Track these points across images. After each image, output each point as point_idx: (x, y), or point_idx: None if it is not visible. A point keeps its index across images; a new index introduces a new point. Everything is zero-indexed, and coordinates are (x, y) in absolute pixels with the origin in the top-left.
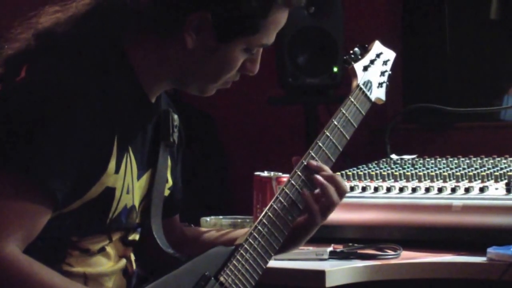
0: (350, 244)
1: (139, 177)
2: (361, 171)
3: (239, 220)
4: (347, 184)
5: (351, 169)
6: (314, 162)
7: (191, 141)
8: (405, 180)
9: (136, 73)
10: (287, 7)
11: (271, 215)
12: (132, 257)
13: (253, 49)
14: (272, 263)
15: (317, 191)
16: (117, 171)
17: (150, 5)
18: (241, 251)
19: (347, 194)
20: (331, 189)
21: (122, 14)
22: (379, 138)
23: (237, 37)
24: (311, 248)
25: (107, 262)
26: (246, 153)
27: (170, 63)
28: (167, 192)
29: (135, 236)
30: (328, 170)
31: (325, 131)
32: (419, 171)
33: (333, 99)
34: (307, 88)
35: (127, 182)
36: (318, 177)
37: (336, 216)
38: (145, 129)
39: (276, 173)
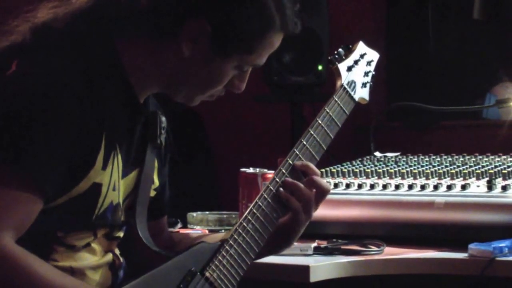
0: (334, 240)
1: (124, 175)
2: (345, 168)
3: (225, 216)
4: (327, 184)
5: (335, 166)
6: (299, 163)
7: (178, 138)
8: (388, 177)
9: (127, 73)
10: (283, 32)
11: (256, 212)
12: (117, 251)
13: (244, 67)
14: (259, 259)
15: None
16: (104, 167)
17: (150, 8)
18: (226, 247)
19: (331, 191)
20: (305, 192)
21: (120, 14)
22: (363, 136)
23: (233, 53)
24: (295, 243)
25: (92, 257)
26: (233, 150)
27: (162, 67)
28: (153, 193)
29: (120, 234)
30: (313, 168)
31: (310, 130)
32: (402, 169)
33: (318, 97)
34: (293, 86)
35: (113, 179)
36: (287, 180)
37: (321, 212)
38: (132, 129)
39: (262, 170)
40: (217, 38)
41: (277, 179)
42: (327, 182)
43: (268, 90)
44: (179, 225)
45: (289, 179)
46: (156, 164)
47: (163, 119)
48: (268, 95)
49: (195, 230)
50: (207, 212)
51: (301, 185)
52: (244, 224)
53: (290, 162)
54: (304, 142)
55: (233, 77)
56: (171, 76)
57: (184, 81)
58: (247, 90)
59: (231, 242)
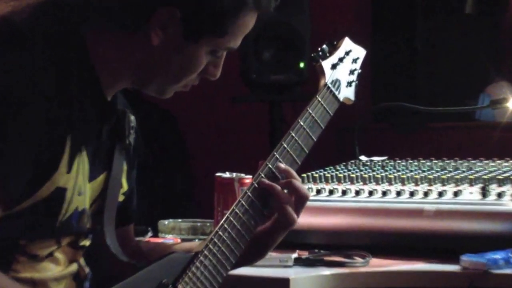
0: (316, 250)
1: (91, 179)
2: (328, 173)
3: (198, 224)
4: (307, 190)
5: (317, 171)
6: (281, 165)
7: (151, 140)
8: (374, 183)
9: (95, 68)
10: (256, 10)
11: (233, 220)
12: (83, 261)
13: (218, 51)
14: (234, 270)
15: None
16: (69, 170)
17: None
18: (200, 258)
19: (313, 197)
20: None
21: (84, 4)
22: (347, 139)
23: (205, 36)
24: (274, 254)
25: (55, 267)
26: (209, 153)
27: (132, 59)
28: (121, 198)
29: (86, 242)
30: (292, 172)
31: (291, 132)
32: (390, 174)
33: (300, 97)
34: (273, 85)
35: (79, 183)
36: (265, 181)
37: (302, 220)
38: (100, 129)
39: (239, 175)
40: (188, 22)
41: (256, 184)
42: (308, 188)
43: (246, 90)
44: (150, 234)
45: (266, 180)
46: (124, 166)
47: (132, 118)
48: (246, 95)
49: (167, 239)
50: (179, 220)
51: (278, 187)
52: (220, 233)
53: (270, 166)
54: (285, 145)
55: (207, 64)
56: (141, 67)
57: (155, 71)
58: (224, 89)
59: (205, 252)
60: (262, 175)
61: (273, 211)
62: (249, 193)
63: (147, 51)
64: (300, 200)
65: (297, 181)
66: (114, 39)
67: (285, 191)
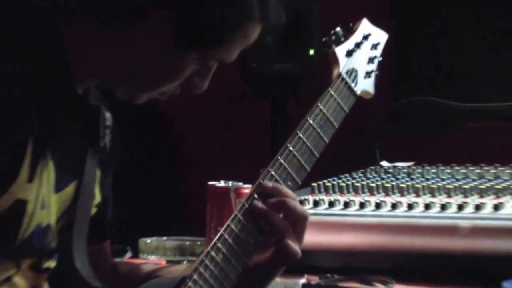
0: (329, 275)
1: (58, 189)
2: (343, 182)
3: (187, 243)
4: (303, 208)
5: (330, 180)
6: (269, 184)
7: (131, 142)
8: (399, 194)
9: (68, 60)
10: (262, 24)
11: (228, 238)
12: (47, 287)
13: (209, 62)
14: None
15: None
16: (30, 179)
17: None
18: (189, 284)
19: (325, 211)
20: (277, 220)
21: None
22: (366, 141)
23: (197, 47)
24: (278, 279)
25: None
26: (200, 157)
27: (111, 58)
28: (94, 210)
29: (51, 264)
30: (282, 190)
31: (298, 132)
32: (417, 183)
33: (308, 91)
34: (275, 76)
35: (42, 195)
36: (258, 204)
37: (311, 239)
38: (68, 129)
39: (236, 184)
40: (181, 30)
41: (256, 195)
42: (319, 199)
43: (245, 82)
44: (128, 254)
45: (257, 203)
46: (98, 173)
47: (108, 115)
48: (244, 89)
49: (149, 261)
50: (164, 238)
51: (270, 214)
52: (213, 253)
53: (273, 173)
54: (291, 148)
55: (192, 74)
56: (117, 67)
57: (131, 74)
58: (218, 82)
59: (195, 277)
60: (255, 195)
61: (272, 243)
62: (247, 206)
63: (128, 53)
64: (298, 223)
65: (291, 200)
66: (96, 33)
67: (281, 215)
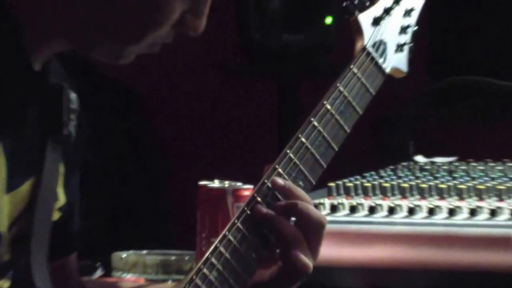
0: None
1: (10, 189)
2: (368, 181)
3: (173, 258)
4: (319, 214)
5: (352, 179)
6: (280, 181)
7: (104, 131)
8: (437, 197)
9: (16, 25)
10: None
11: (224, 252)
12: None
13: None
14: None
15: None
16: None
17: None
18: None
19: (345, 218)
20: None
21: None
22: (396, 131)
23: None
24: None
25: None
26: (190, 152)
27: (70, 7)
28: (56, 215)
29: (3, 284)
30: (295, 191)
31: (312, 120)
32: (461, 183)
33: (325, 69)
34: (284, 50)
35: None
36: (262, 209)
37: (328, 252)
38: (23, 114)
39: (234, 184)
40: None
41: (259, 198)
42: (338, 204)
43: (245, 57)
44: (99, 272)
45: (260, 208)
46: (61, 169)
47: (73, 97)
48: (245, 66)
49: (124, 281)
50: (144, 252)
51: (278, 219)
52: (205, 271)
53: (281, 170)
54: (303, 140)
55: (184, 13)
56: (86, 20)
57: (107, 24)
58: (213, 58)
59: None
60: (268, 184)
61: (277, 256)
62: (248, 211)
63: None
64: (313, 232)
65: (304, 203)
66: None
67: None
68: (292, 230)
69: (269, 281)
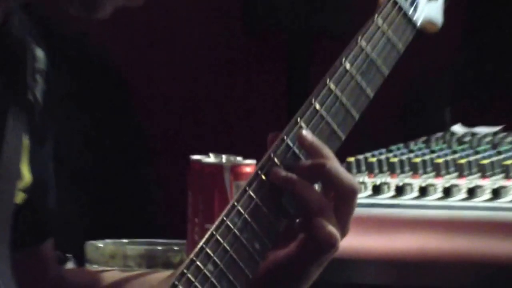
0: None
1: None
2: (395, 156)
3: (159, 248)
4: (352, 178)
5: (375, 152)
6: (305, 134)
7: (78, 99)
8: (479, 174)
9: None
10: None
11: (222, 240)
12: None
13: None
14: None
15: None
16: None
17: None
18: None
19: (368, 200)
20: (313, 195)
21: None
22: (429, 95)
23: None
24: None
25: None
26: (181, 126)
27: None
28: (20, 197)
29: None
30: (324, 151)
31: (328, 82)
32: (507, 158)
33: (342, 23)
34: (291, 2)
35: None
36: (281, 172)
37: (348, 242)
38: None
39: (232, 158)
40: None
41: (263, 176)
42: (360, 182)
43: (246, 14)
44: (71, 265)
45: (280, 171)
46: (25, 141)
47: (40, 55)
48: (246, 23)
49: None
50: (125, 240)
51: (303, 182)
52: (199, 263)
53: (290, 143)
54: (317, 106)
55: None
56: None
57: None
58: (208, 12)
59: None
60: (276, 159)
61: (296, 226)
62: (251, 192)
63: None
64: (343, 200)
65: (334, 164)
66: None
67: (316, 186)
68: (318, 197)
69: (287, 261)
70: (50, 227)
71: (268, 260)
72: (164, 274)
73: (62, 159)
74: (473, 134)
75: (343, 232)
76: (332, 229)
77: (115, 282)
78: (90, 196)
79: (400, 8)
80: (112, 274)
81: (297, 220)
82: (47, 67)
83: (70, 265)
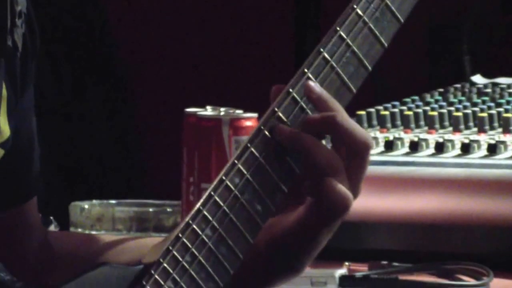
0: (385, 262)
1: None
2: (409, 109)
3: (151, 210)
4: (364, 132)
5: (388, 106)
6: (312, 85)
7: (65, 56)
8: (500, 130)
9: None
10: None
11: (221, 202)
12: None
13: None
14: None
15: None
16: None
17: None
18: (156, 276)
19: (380, 157)
20: (322, 151)
21: None
22: (448, 42)
23: None
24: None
25: None
26: (176, 75)
27: None
28: None
29: None
30: (332, 104)
31: (338, 29)
32: None
33: None
34: None
35: None
36: (285, 128)
37: (357, 204)
38: None
39: (231, 111)
40: None
41: (266, 132)
42: (371, 138)
43: None
44: (53, 228)
45: (284, 126)
46: (4, 92)
47: None
48: None
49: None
50: (113, 201)
51: (310, 138)
52: (195, 227)
53: (296, 96)
54: (326, 55)
55: None
56: None
57: None
58: None
59: (165, 265)
60: (280, 113)
61: (304, 188)
62: (252, 149)
63: None
64: (354, 155)
65: (344, 117)
66: None
67: (324, 142)
68: (328, 154)
69: (295, 228)
70: (33, 185)
71: (274, 226)
72: (155, 239)
73: (43, 110)
74: (495, 85)
75: (355, 193)
76: (345, 190)
77: (102, 247)
78: (73, 151)
79: None
80: (99, 238)
81: (305, 181)
82: (28, 9)
83: (52, 228)
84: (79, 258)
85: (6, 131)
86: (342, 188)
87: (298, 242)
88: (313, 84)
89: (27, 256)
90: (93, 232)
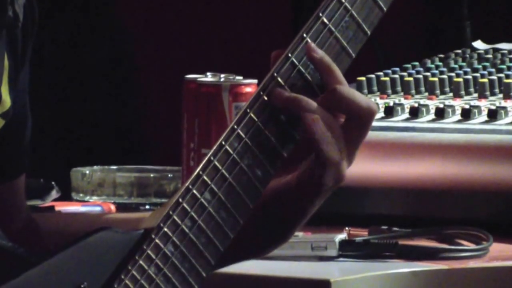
0: (385, 227)
1: None
2: (409, 75)
3: (152, 175)
4: (368, 100)
5: (388, 71)
6: (313, 47)
7: (62, 21)
8: (501, 96)
9: None
10: None
11: (220, 167)
12: None
13: None
14: (236, 266)
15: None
16: None
17: None
18: (156, 241)
19: (380, 123)
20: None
21: None
22: (448, 7)
23: None
24: (302, 235)
25: None
26: (175, 40)
27: None
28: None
29: None
30: (335, 72)
31: None
32: None
33: None
34: None
35: None
36: (284, 93)
37: (357, 168)
38: None
39: (231, 77)
40: None
41: (265, 97)
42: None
43: None
44: (54, 194)
45: (284, 92)
46: (6, 62)
47: None
48: None
49: (88, 205)
50: (114, 167)
51: (310, 103)
52: (195, 192)
53: (294, 59)
54: (325, 20)
55: None
56: None
57: None
58: None
59: (166, 230)
60: (279, 78)
61: (301, 153)
62: (252, 114)
63: None
64: (355, 121)
65: (344, 85)
66: None
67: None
68: (329, 118)
69: (289, 190)
70: (22, 162)
71: (269, 189)
72: (144, 214)
73: (43, 80)
74: (496, 50)
75: (350, 159)
76: (342, 160)
77: (90, 224)
78: (74, 118)
79: None
80: (87, 215)
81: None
82: None
83: (54, 194)
84: (68, 237)
85: (8, 102)
86: (338, 155)
87: (291, 206)
88: (315, 46)
89: (16, 229)
90: (94, 198)
